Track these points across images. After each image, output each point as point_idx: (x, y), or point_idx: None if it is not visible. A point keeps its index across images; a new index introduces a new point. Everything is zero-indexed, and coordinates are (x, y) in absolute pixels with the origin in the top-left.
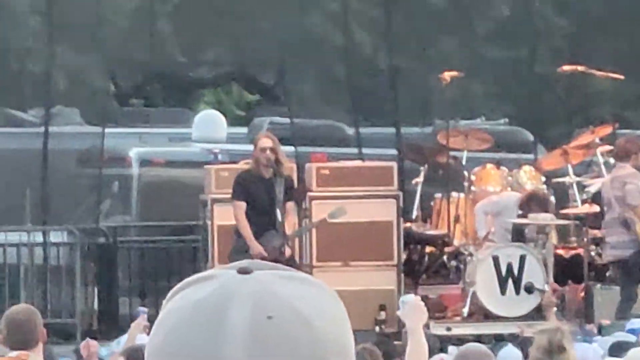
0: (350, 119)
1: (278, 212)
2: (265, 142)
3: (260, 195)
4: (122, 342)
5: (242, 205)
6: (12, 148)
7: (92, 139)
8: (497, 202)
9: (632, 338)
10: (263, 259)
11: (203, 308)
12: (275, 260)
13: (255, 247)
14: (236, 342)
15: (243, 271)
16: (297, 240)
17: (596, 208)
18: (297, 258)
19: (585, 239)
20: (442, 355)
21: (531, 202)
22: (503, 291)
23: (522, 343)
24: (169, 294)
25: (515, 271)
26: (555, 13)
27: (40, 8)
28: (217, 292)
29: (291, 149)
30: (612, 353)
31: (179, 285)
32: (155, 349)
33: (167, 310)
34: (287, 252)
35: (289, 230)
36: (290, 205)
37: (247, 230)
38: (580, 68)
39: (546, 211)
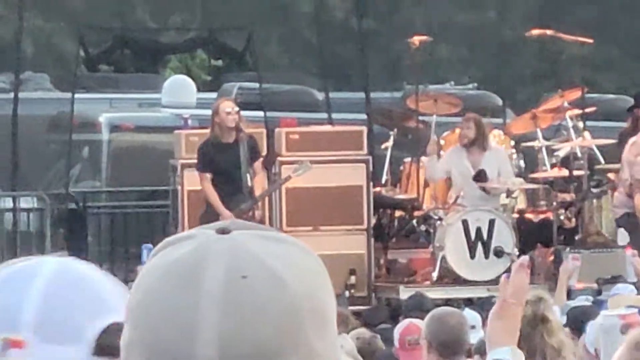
0: (319, 83)
1: (245, 175)
2: (229, 105)
3: (225, 161)
4: None
5: (208, 176)
6: None
7: (62, 105)
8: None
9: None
10: None
11: (179, 267)
12: None
13: (225, 213)
14: (210, 300)
15: (221, 231)
16: (267, 206)
17: (565, 172)
18: (267, 223)
19: (554, 203)
20: (411, 319)
21: None
22: (472, 255)
23: (481, 306)
24: (151, 253)
25: (485, 235)
26: None
27: None
28: (194, 251)
29: (260, 114)
30: (570, 318)
31: (159, 244)
32: (133, 306)
33: (146, 268)
34: (257, 215)
35: (258, 191)
36: (257, 165)
37: (215, 200)
38: (549, 32)
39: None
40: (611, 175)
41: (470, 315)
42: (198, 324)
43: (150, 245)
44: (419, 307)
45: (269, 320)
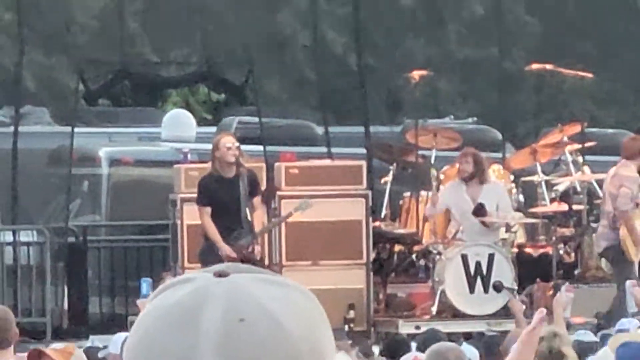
0: (319, 118)
1: (244, 210)
2: (229, 140)
3: (225, 196)
4: (112, 342)
5: (208, 210)
6: None
7: (62, 139)
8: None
9: (591, 337)
10: (232, 259)
11: (178, 310)
12: (245, 259)
13: (224, 248)
14: (208, 344)
15: (219, 274)
16: (266, 240)
17: (565, 206)
18: (266, 257)
19: (553, 238)
20: (415, 353)
21: None
22: (472, 289)
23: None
24: (151, 296)
25: (484, 270)
26: (526, 13)
27: (14, 8)
28: (192, 295)
29: (260, 148)
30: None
31: (160, 287)
32: (132, 348)
33: (146, 311)
34: (257, 250)
35: (258, 227)
36: (257, 200)
37: (215, 234)
38: (549, 66)
39: None
40: None
41: (469, 350)
42: None
43: (149, 279)
44: (435, 342)
45: None
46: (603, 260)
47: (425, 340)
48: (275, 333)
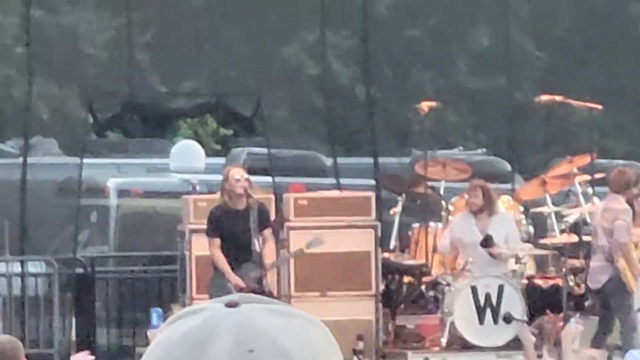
0: (327, 149)
1: (254, 242)
2: (238, 171)
3: (235, 228)
4: None
5: (217, 242)
6: None
7: (71, 170)
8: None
9: None
10: (242, 289)
11: (187, 340)
12: (255, 291)
13: (234, 279)
14: None
15: (231, 304)
16: (275, 271)
17: (574, 238)
18: (275, 288)
19: (563, 269)
20: None
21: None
22: (481, 321)
23: None
24: (162, 325)
25: (494, 301)
26: (534, 45)
27: (24, 40)
28: (203, 324)
29: (269, 179)
30: None
31: (170, 318)
32: None
33: (156, 342)
34: (266, 282)
35: (268, 258)
36: (268, 232)
37: (224, 265)
38: (558, 98)
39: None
40: None
41: None
42: None
43: (159, 309)
44: None
45: None
46: None
47: None
48: None
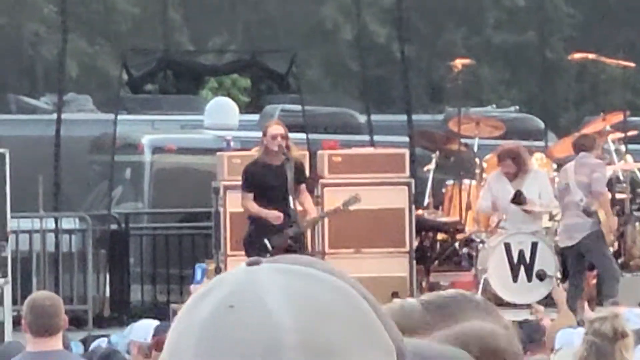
0: (361, 106)
1: (291, 198)
2: (276, 129)
3: (271, 183)
4: (134, 329)
5: (250, 196)
6: (25, 135)
7: (105, 126)
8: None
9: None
10: (278, 248)
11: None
12: (288, 249)
13: (271, 214)
14: (195, 329)
15: (251, 263)
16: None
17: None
18: (309, 244)
19: None
20: None
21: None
22: (515, 278)
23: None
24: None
25: (527, 258)
26: (566, 2)
27: None
28: (212, 283)
29: (303, 136)
30: None
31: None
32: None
33: (177, 317)
34: (304, 238)
35: (307, 213)
36: (304, 187)
37: (260, 210)
38: (591, 56)
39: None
40: None
41: None
42: (180, 354)
43: (203, 265)
44: None
45: (241, 352)
46: None
47: None
48: (260, 321)
